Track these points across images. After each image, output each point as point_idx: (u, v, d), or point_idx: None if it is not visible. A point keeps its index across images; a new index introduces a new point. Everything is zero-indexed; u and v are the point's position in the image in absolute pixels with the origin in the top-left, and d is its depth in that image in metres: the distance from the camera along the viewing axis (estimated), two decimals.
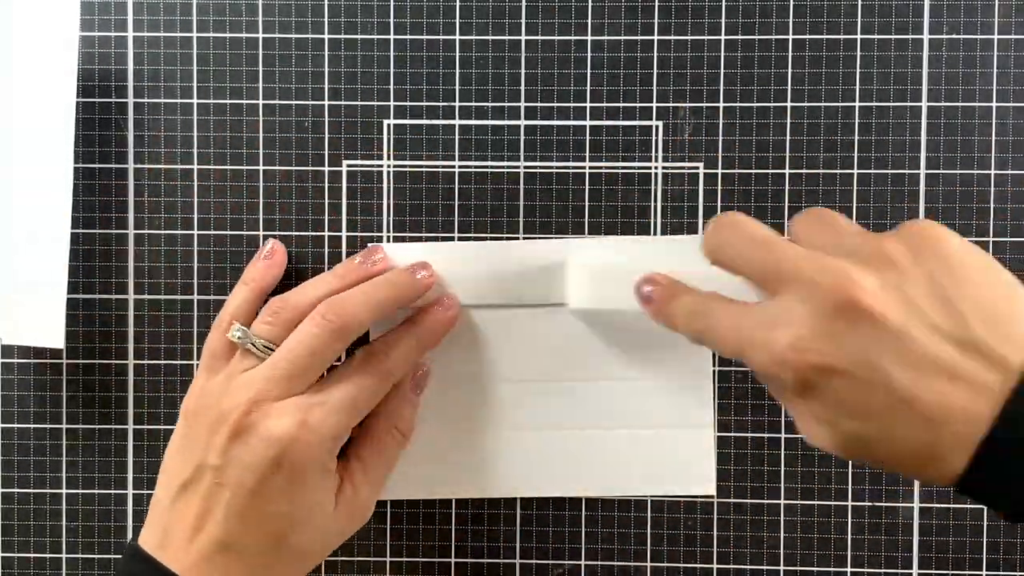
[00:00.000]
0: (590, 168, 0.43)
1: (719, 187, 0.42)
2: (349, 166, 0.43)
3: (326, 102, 0.43)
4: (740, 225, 0.32)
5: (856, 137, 0.42)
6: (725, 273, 0.33)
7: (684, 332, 0.34)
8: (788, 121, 0.42)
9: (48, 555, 0.43)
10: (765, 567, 0.42)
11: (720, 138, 0.42)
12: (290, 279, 0.43)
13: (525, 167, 0.43)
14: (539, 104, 0.43)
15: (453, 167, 0.43)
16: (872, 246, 0.30)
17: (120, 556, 0.43)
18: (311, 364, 0.37)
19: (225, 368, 0.38)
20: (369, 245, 0.41)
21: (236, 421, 0.36)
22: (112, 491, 0.43)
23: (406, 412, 0.41)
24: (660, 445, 0.42)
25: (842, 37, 0.42)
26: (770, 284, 0.31)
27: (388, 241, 0.43)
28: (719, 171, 0.42)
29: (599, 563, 0.43)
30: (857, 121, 0.42)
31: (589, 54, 0.43)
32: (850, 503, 0.42)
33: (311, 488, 0.36)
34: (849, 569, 0.42)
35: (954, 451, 0.27)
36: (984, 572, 0.42)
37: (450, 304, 0.40)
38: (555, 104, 0.43)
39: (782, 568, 0.42)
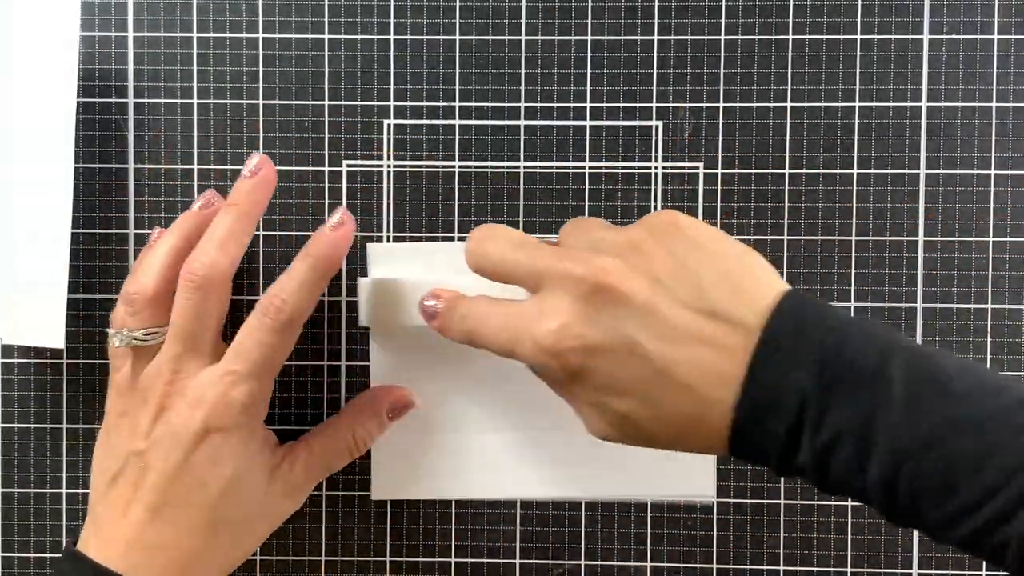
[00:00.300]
0: (590, 168, 0.43)
1: (719, 187, 0.42)
2: (349, 166, 0.43)
3: (326, 102, 0.43)
4: (497, 234, 0.34)
5: (856, 137, 0.42)
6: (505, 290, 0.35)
7: (457, 338, 0.35)
8: (788, 121, 0.42)
9: (48, 555, 0.43)
10: (765, 567, 0.42)
11: (720, 138, 0.42)
12: None
13: (525, 167, 0.43)
14: (539, 104, 0.43)
15: (453, 167, 0.43)
16: (618, 236, 0.32)
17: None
18: (200, 328, 0.37)
19: (126, 367, 0.38)
20: (205, 193, 0.41)
21: (156, 402, 0.36)
22: None
23: (372, 427, 0.41)
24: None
25: (842, 37, 0.42)
26: (531, 284, 0.32)
27: (388, 241, 0.43)
28: (719, 171, 0.42)
29: (599, 563, 0.43)
30: (857, 121, 0.42)
31: (589, 54, 0.43)
32: (850, 502, 0.42)
33: (239, 455, 0.36)
34: (849, 569, 0.42)
35: (718, 417, 0.29)
36: (983, 572, 0.42)
37: (343, 220, 0.39)
38: (555, 104, 0.43)
39: (782, 568, 0.42)
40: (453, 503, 0.43)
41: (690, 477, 0.42)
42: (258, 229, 0.43)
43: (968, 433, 0.27)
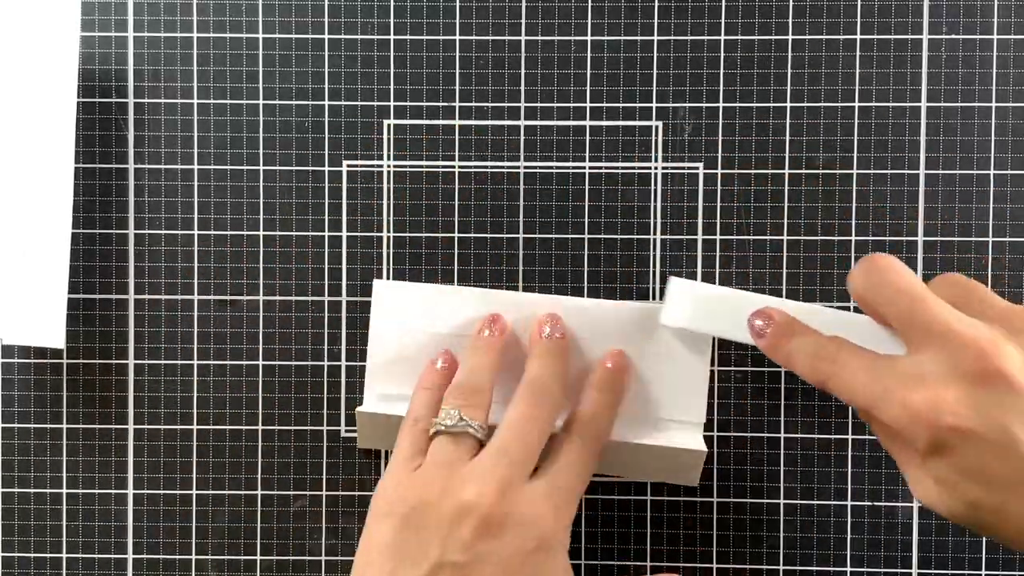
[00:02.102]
0: (590, 168, 0.43)
1: (719, 187, 0.42)
2: (349, 166, 0.43)
3: (326, 102, 0.43)
4: (894, 270, 0.33)
5: (856, 137, 0.42)
6: (833, 321, 0.35)
7: (806, 374, 0.34)
8: (788, 121, 0.42)
9: (48, 555, 0.43)
10: (765, 567, 0.42)
11: (720, 138, 0.42)
12: (290, 278, 0.43)
13: (525, 167, 0.43)
14: (539, 104, 0.43)
15: (453, 167, 0.43)
16: (1019, 319, 0.31)
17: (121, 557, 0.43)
18: (538, 445, 0.36)
19: (430, 460, 0.35)
20: (488, 315, 0.40)
21: (486, 513, 0.33)
22: (112, 491, 0.43)
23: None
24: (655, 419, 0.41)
25: (842, 37, 0.42)
26: (915, 337, 0.31)
27: (388, 242, 0.43)
28: (719, 171, 0.42)
29: (600, 563, 0.43)
30: (857, 121, 0.42)
31: (589, 54, 0.43)
32: (850, 503, 0.42)
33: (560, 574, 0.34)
34: (849, 569, 0.42)
35: None
36: (984, 572, 0.42)
37: (619, 357, 0.39)
38: (555, 104, 0.43)
39: (782, 568, 0.42)
40: None
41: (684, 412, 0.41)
42: (258, 229, 0.43)
43: None
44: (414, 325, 0.41)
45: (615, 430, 0.39)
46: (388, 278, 0.43)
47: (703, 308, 0.39)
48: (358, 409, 0.41)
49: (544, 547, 0.33)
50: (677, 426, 0.41)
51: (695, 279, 0.42)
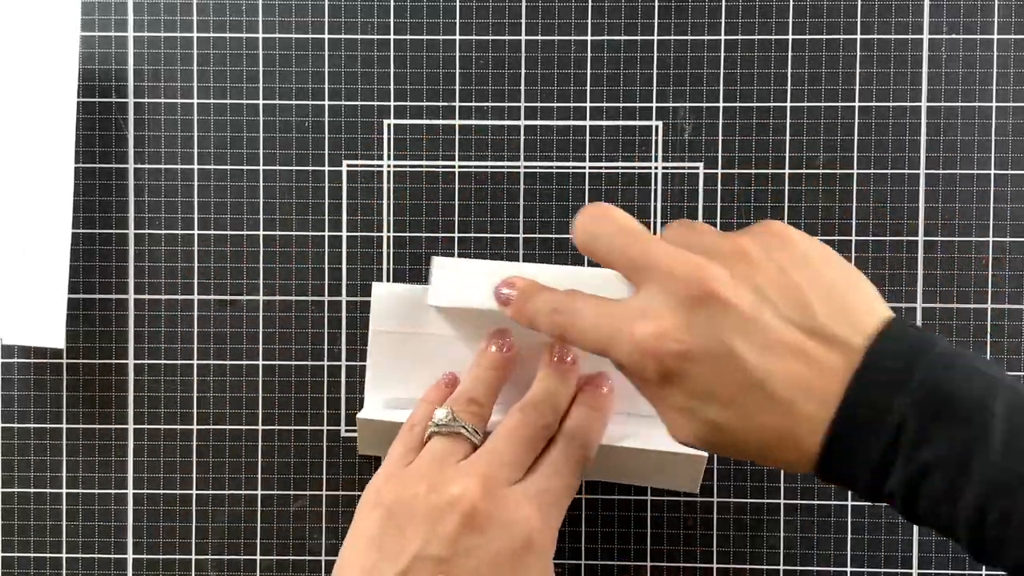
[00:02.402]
0: (590, 168, 0.43)
1: (719, 187, 0.42)
2: (349, 166, 0.43)
3: (326, 102, 0.43)
4: (612, 216, 0.34)
5: (856, 137, 0.42)
6: (588, 279, 0.34)
7: (547, 330, 0.34)
8: (788, 121, 0.42)
9: (48, 555, 0.43)
10: (765, 567, 0.42)
11: (720, 138, 0.42)
12: (290, 278, 0.43)
13: (525, 167, 0.43)
14: (539, 104, 0.43)
15: (453, 167, 0.43)
16: (728, 243, 0.31)
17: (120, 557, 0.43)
18: (529, 453, 0.36)
19: (422, 457, 0.36)
20: (494, 331, 0.39)
21: (470, 508, 0.33)
22: (112, 491, 0.43)
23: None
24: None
25: (842, 37, 0.42)
26: (636, 275, 0.32)
27: (388, 242, 0.43)
28: (719, 171, 0.42)
29: (599, 563, 0.43)
30: (857, 121, 0.42)
31: (589, 54, 0.43)
32: (850, 503, 0.42)
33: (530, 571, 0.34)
34: (849, 569, 0.42)
35: (808, 434, 0.29)
36: (984, 572, 0.42)
37: (604, 385, 0.39)
38: (555, 104, 0.43)
39: (782, 568, 0.42)
40: None
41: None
42: (257, 229, 0.43)
43: None
44: (414, 328, 0.41)
45: (613, 435, 0.39)
46: (388, 278, 0.43)
47: (465, 284, 0.38)
48: (359, 415, 0.41)
49: (530, 548, 0.34)
50: None
51: None
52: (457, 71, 0.43)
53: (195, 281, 0.43)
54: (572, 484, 0.36)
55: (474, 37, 0.43)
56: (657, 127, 0.43)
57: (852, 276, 0.31)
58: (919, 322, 0.42)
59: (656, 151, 0.43)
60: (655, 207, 0.42)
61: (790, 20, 0.42)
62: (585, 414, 0.38)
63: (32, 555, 0.43)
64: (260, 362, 0.43)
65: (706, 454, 0.39)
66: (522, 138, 0.43)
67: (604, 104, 0.43)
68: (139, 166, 0.43)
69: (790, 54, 0.42)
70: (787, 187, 0.42)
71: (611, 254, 0.33)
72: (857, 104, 0.42)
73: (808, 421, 0.29)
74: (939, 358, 0.28)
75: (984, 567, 0.42)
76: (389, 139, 0.43)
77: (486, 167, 0.43)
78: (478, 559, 0.33)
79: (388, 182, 0.43)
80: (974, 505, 0.27)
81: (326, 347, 0.43)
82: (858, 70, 0.42)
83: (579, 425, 0.37)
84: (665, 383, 0.31)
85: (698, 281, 0.30)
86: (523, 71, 0.43)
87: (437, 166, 0.43)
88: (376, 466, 0.43)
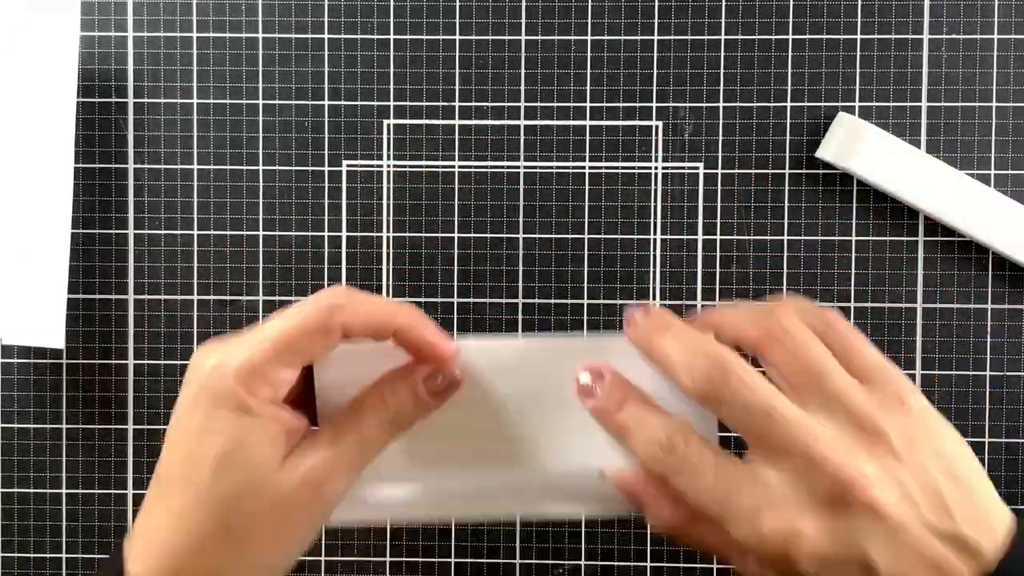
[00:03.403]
0: (590, 168, 0.43)
1: (719, 187, 0.42)
2: (349, 166, 0.43)
3: (326, 102, 0.43)
4: (740, 372, 0.30)
5: None
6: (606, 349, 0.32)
7: (645, 461, 0.31)
8: (788, 121, 0.42)
9: (48, 555, 0.43)
10: None
11: (720, 138, 0.42)
12: (290, 278, 0.43)
13: (525, 167, 0.43)
14: (539, 104, 0.43)
15: (453, 167, 0.43)
16: (862, 413, 0.29)
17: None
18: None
19: None
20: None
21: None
22: (112, 491, 0.43)
23: (405, 397, 0.33)
24: None
25: (842, 37, 0.42)
26: (768, 451, 0.30)
27: (388, 242, 0.43)
28: (719, 171, 0.42)
29: (599, 563, 0.43)
30: None
31: (589, 54, 0.43)
32: None
33: (229, 429, 0.30)
34: None
35: None
36: None
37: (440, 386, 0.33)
38: (555, 104, 0.43)
39: None
40: None
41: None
42: (258, 229, 0.43)
43: None
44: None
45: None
46: (388, 278, 0.43)
47: (501, 363, 0.34)
48: (333, 516, 0.34)
49: (206, 390, 0.31)
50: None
51: (695, 280, 0.42)
52: (457, 71, 0.43)
53: (195, 281, 0.43)
54: (285, 328, 0.31)
55: (474, 37, 0.43)
56: (657, 127, 0.43)
57: (977, 470, 0.30)
58: (919, 323, 0.42)
59: (656, 151, 0.43)
60: (655, 207, 0.42)
61: (790, 20, 0.42)
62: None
63: (32, 555, 0.43)
64: None
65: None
66: (522, 138, 0.43)
67: (604, 104, 0.43)
68: (139, 166, 0.43)
69: (790, 54, 0.42)
70: (787, 187, 0.42)
71: (741, 418, 0.30)
72: (857, 104, 0.42)
73: None
74: None
75: None
76: (389, 139, 0.43)
77: (486, 167, 0.43)
78: (177, 413, 0.32)
79: (388, 182, 0.43)
80: None
81: None
82: (858, 70, 0.42)
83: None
84: (784, 572, 0.29)
85: (842, 479, 0.28)
86: (523, 71, 0.43)
87: (437, 166, 0.43)
88: None
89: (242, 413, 0.30)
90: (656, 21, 0.42)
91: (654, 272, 0.42)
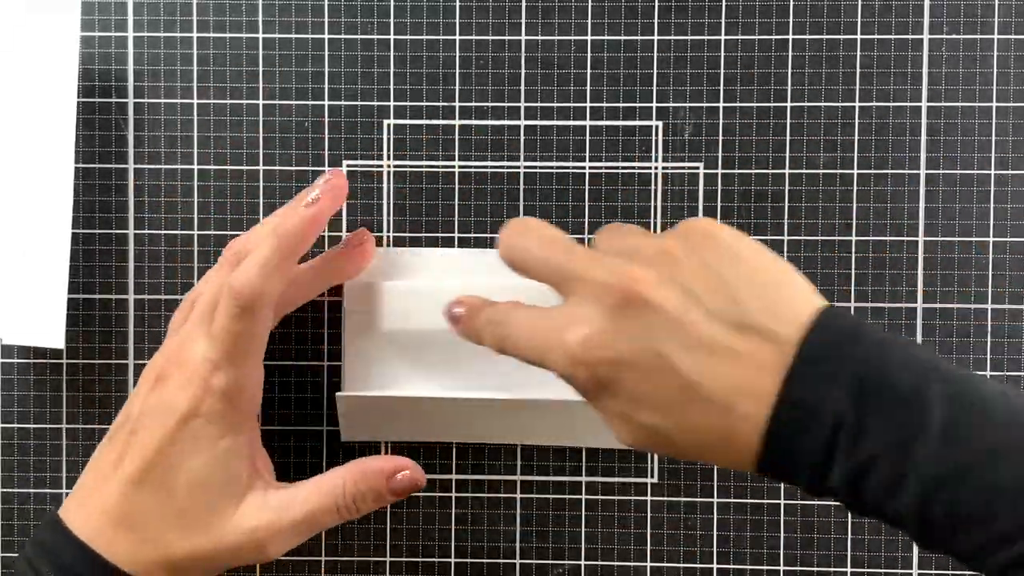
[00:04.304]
0: (590, 168, 0.43)
1: (719, 187, 0.42)
2: (349, 166, 0.43)
3: (326, 102, 0.43)
4: (532, 228, 0.33)
5: (856, 137, 0.42)
6: (536, 284, 0.34)
7: (489, 343, 0.34)
8: (788, 121, 0.42)
9: None
10: (765, 567, 0.42)
11: (720, 138, 0.42)
12: None
13: (525, 167, 0.43)
14: (539, 104, 0.43)
15: (453, 167, 0.43)
16: (653, 244, 0.31)
17: None
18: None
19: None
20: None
21: (158, 371, 0.36)
22: None
23: (368, 493, 0.37)
24: None
25: (842, 37, 0.42)
26: (562, 286, 0.32)
27: (388, 242, 0.43)
28: (719, 171, 0.42)
29: (599, 563, 0.43)
30: (857, 121, 0.42)
31: (589, 54, 0.43)
32: None
33: (214, 448, 0.35)
34: (849, 569, 0.42)
35: (747, 433, 0.28)
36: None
37: (319, 196, 0.38)
38: (555, 104, 0.43)
39: (782, 568, 0.42)
40: (453, 503, 0.43)
41: None
42: None
43: (1007, 461, 0.26)
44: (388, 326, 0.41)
45: (516, 389, 0.39)
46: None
47: (416, 305, 0.40)
48: (338, 394, 0.40)
49: (198, 411, 0.35)
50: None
51: None
52: (457, 71, 0.43)
53: (195, 282, 0.43)
54: (229, 337, 0.36)
55: (474, 37, 0.43)
56: (657, 127, 0.43)
57: (784, 270, 0.31)
58: (919, 322, 0.42)
59: (656, 151, 0.43)
60: (655, 207, 0.42)
61: (790, 20, 0.42)
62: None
63: None
64: None
65: None
66: (522, 138, 0.43)
67: (604, 104, 0.43)
68: (139, 166, 0.43)
69: (790, 54, 0.42)
70: (787, 187, 0.42)
71: (536, 267, 0.33)
72: (857, 104, 0.42)
73: (745, 420, 0.28)
74: (872, 347, 0.28)
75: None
76: (389, 139, 0.43)
77: (486, 167, 0.43)
78: (159, 416, 0.36)
79: (388, 182, 0.43)
80: (918, 498, 0.27)
81: (326, 347, 0.43)
82: (858, 70, 0.42)
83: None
84: (600, 390, 0.30)
85: (622, 285, 0.30)
86: (523, 71, 0.43)
87: (437, 166, 0.43)
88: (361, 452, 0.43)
89: (222, 436, 0.36)
90: (656, 21, 0.42)
91: None
